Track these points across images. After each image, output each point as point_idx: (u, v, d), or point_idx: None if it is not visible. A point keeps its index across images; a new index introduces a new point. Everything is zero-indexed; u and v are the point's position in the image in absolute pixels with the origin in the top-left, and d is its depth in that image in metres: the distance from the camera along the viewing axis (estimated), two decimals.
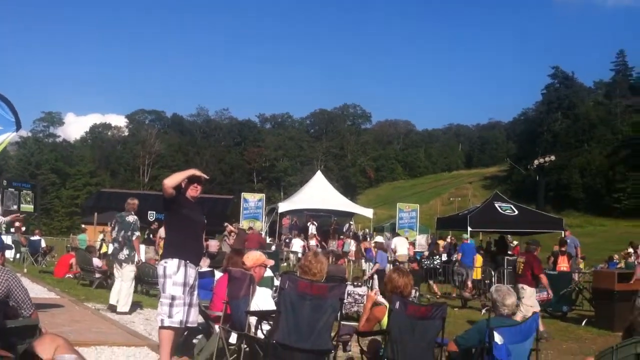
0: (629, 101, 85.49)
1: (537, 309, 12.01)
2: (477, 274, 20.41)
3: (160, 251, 21.36)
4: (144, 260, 16.48)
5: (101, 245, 23.42)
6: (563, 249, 18.81)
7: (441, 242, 27.05)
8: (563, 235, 21.32)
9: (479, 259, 21.15)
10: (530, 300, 12.23)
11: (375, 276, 17.74)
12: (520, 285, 12.28)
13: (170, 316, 6.03)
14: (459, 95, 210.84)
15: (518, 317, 11.77)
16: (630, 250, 25.11)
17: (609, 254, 27.49)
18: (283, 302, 5.49)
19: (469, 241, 22.01)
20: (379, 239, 23.18)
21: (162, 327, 6.09)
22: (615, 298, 13.00)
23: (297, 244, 26.32)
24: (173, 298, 6.05)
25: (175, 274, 6.04)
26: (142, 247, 20.63)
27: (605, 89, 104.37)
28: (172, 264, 6.07)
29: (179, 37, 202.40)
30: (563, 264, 18.16)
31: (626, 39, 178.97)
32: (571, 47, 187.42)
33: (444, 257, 23.62)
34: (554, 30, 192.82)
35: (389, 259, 20.73)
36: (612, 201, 74.41)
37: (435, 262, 21.44)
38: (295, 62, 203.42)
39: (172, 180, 5.93)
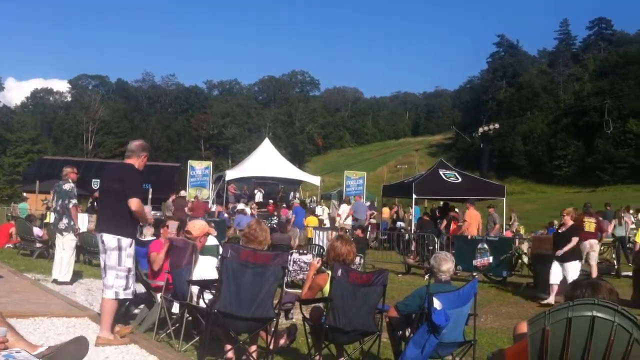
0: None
1: None
2: (310, 233, 21.85)
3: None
4: (84, 230, 16.16)
5: (46, 214, 22.84)
6: None
7: (386, 210, 27.30)
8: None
9: (311, 220, 22.95)
10: None
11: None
12: None
13: (126, 288, 6.16)
14: (406, 63, 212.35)
15: None
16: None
17: (549, 219, 28.24)
18: (225, 270, 5.49)
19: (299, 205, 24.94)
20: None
21: (115, 299, 6.11)
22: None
23: None
24: (129, 271, 6.19)
25: (129, 247, 6.17)
26: (85, 216, 20.26)
27: (548, 58, 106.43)
28: (126, 238, 6.15)
29: None
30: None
31: (570, 7, 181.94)
32: (517, 15, 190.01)
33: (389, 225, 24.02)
34: None
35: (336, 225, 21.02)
36: (553, 168, 76.49)
37: None
38: (244, 27, 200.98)
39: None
